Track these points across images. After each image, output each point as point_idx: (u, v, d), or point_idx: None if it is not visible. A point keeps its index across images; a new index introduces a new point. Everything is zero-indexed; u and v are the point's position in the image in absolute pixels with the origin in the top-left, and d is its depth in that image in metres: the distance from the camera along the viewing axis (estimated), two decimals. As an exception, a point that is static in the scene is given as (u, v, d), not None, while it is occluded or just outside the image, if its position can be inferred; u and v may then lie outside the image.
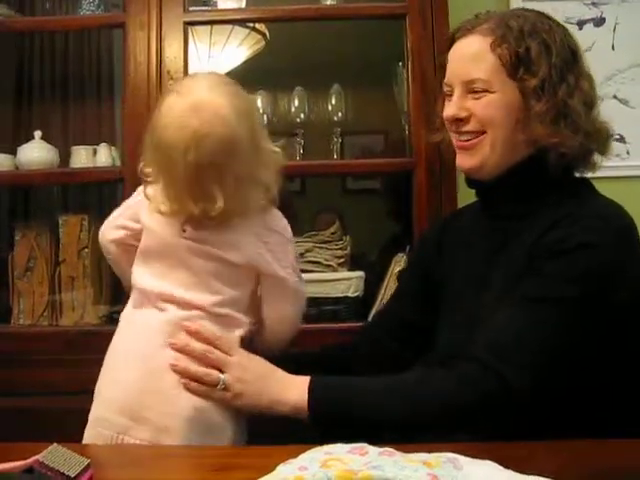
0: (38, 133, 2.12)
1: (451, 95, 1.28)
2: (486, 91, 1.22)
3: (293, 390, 1.16)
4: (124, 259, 1.36)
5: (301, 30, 2.38)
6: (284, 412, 1.16)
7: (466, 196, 1.79)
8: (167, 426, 1.17)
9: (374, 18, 2.08)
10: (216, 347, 1.20)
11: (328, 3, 2.10)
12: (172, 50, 1.94)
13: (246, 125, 1.20)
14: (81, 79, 2.67)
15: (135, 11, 1.95)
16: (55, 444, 0.87)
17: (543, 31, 1.21)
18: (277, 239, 1.29)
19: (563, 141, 1.19)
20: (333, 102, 2.17)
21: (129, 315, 1.30)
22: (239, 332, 1.27)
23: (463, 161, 1.28)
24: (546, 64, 1.19)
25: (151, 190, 1.27)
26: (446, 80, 1.30)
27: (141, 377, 1.20)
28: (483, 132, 1.24)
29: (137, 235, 1.32)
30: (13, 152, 2.13)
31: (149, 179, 1.27)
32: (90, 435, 1.22)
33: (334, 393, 1.17)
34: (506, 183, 1.26)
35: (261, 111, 2.20)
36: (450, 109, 1.27)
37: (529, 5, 2.10)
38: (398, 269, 1.93)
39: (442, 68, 1.34)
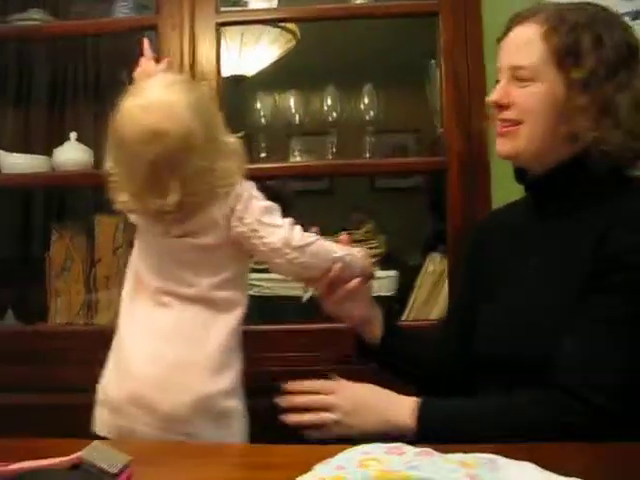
0: (74, 135, 2.15)
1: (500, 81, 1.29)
2: (531, 80, 1.22)
3: (400, 412, 1.19)
4: None
5: (332, 29, 2.38)
6: (391, 432, 1.18)
7: (500, 195, 1.79)
8: (176, 415, 1.23)
9: (406, 16, 2.08)
10: (318, 392, 1.25)
11: (359, 2, 2.10)
12: (205, 51, 1.95)
13: (200, 120, 1.23)
14: (113, 81, 2.69)
15: (168, 13, 1.97)
16: (96, 441, 0.88)
17: (599, 25, 1.20)
18: (242, 205, 1.30)
19: (604, 137, 1.18)
20: (365, 101, 2.16)
21: (131, 306, 1.35)
22: (240, 310, 1.33)
23: (500, 147, 1.29)
24: (595, 58, 1.18)
25: (115, 189, 1.30)
26: (498, 65, 1.30)
27: (151, 371, 1.25)
28: (520, 122, 1.24)
29: None
30: (48, 154, 2.16)
31: (113, 178, 1.30)
32: (101, 416, 1.30)
33: (440, 416, 1.18)
34: (553, 179, 1.25)
35: (293, 110, 2.21)
36: (494, 94, 1.28)
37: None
38: (432, 268, 1.93)
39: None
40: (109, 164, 1.31)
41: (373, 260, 1.48)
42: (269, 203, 1.33)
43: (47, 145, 2.35)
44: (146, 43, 1.48)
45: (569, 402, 1.08)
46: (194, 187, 1.24)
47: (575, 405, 1.08)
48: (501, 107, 1.27)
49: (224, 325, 1.31)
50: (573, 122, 1.19)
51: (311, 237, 1.32)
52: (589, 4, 1.27)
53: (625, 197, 1.20)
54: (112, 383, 1.31)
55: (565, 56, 1.19)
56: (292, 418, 1.22)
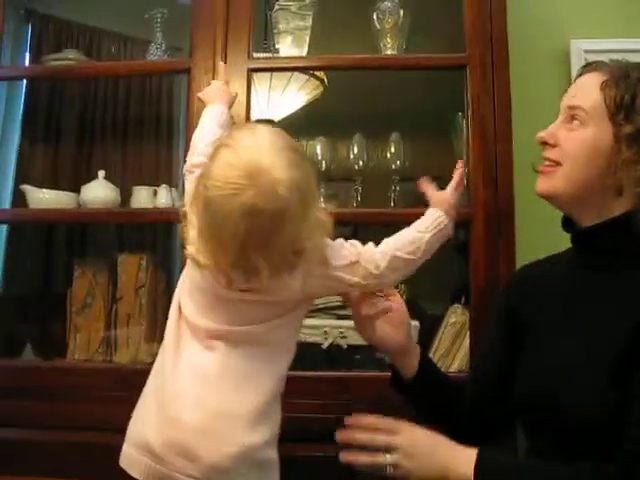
0: (102, 173, 2.17)
1: None
2: (582, 125, 1.25)
3: (460, 463, 1.18)
4: None
5: (360, 77, 2.40)
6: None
7: (524, 247, 1.78)
8: (218, 464, 1.18)
9: (435, 69, 2.09)
10: (380, 430, 1.24)
11: (389, 52, 2.12)
12: (235, 95, 1.97)
13: (300, 197, 1.14)
14: (141, 121, 2.74)
15: (201, 57, 2.00)
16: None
17: None
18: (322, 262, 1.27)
19: None
20: (392, 150, 2.17)
21: (174, 347, 1.29)
22: (290, 356, 1.30)
23: (539, 184, 1.33)
24: None
25: (191, 235, 1.22)
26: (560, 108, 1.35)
27: (197, 419, 1.21)
28: (560, 164, 1.28)
29: None
30: (76, 190, 2.18)
31: (190, 225, 1.22)
32: (134, 459, 1.23)
33: (500, 470, 1.17)
34: (600, 233, 1.27)
35: (320, 157, 2.22)
36: (543, 132, 1.32)
37: (590, 56, 2.10)
38: (454, 319, 1.91)
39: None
40: (189, 208, 1.23)
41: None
42: (337, 243, 1.29)
43: (75, 182, 2.38)
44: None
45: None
46: (276, 263, 1.17)
47: None
48: (546, 144, 1.31)
49: (275, 370, 1.27)
50: (619, 175, 1.22)
51: (385, 255, 1.31)
52: None
53: None
54: (152, 427, 1.24)
55: (618, 109, 1.22)
56: (348, 457, 1.21)
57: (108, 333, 2.09)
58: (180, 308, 1.32)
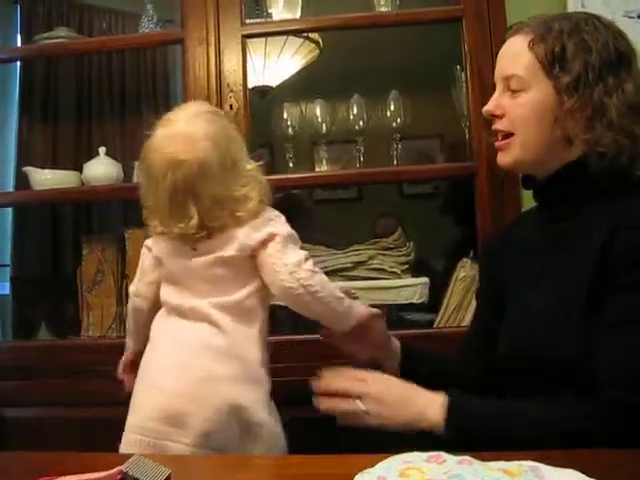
0: (102, 149, 2.17)
1: None
2: (522, 90, 1.25)
3: (431, 410, 1.18)
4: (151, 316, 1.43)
5: (355, 36, 2.38)
6: (420, 428, 1.18)
7: (530, 199, 1.77)
8: (207, 430, 1.23)
9: (430, 23, 2.07)
10: (354, 380, 1.25)
11: (383, 9, 2.10)
12: (231, 63, 1.96)
13: (218, 150, 1.30)
14: (138, 96, 2.73)
15: (193, 27, 1.98)
16: (137, 455, 0.89)
17: (585, 32, 1.23)
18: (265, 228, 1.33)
19: (597, 139, 1.20)
20: (392, 108, 2.16)
21: (160, 324, 1.38)
22: (261, 322, 1.35)
23: (499, 159, 1.33)
24: (582, 62, 1.21)
25: (147, 213, 1.39)
26: (494, 78, 1.34)
27: (180, 385, 1.26)
28: (511, 134, 1.28)
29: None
30: (78, 169, 2.18)
31: (145, 203, 1.38)
32: (129, 440, 1.27)
33: (472, 416, 1.17)
34: (556, 183, 1.28)
35: (319, 119, 2.21)
36: (488, 105, 1.32)
37: (586, 1, 2.08)
38: (463, 274, 1.92)
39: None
40: (140, 188, 1.39)
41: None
42: (293, 231, 1.37)
43: (76, 160, 2.38)
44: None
45: (619, 412, 1.06)
46: (213, 212, 1.31)
47: (626, 413, 1.06)
48: (495, 117, 1.31)
49: (250, 336, 1.33)
50: (566, 125, 1.22)
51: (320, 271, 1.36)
52: (577, 13, 1.33)
53: (629, 198, 1.20)
54: (140, 403, 1.31)
55: (552, 62, 1.22)
56: (325, 403, 1.23)
57: (120, 309, 2.10)
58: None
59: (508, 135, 1.29)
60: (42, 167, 2.21)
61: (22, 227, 2.55)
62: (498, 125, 1.30)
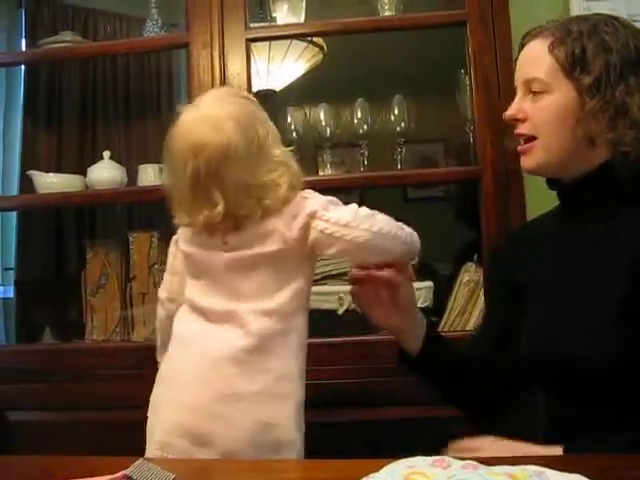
0: (107, 153, 2.17)
1: None
2: (544, 92, 1.25)
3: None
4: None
5: (359, 41, 2.38)
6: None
7: (535, 202, 1.77)
8: (233, 449, 1.19)
9: (434, 27, 2.07)
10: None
11: (387, 14, 2.10)
12: (235, 67, 1.96)
13: (244, 133, 1.24)
14: (142, 100, 2.73)
15: (198, 31, 1.98)
16: (141, 459, 0.89)
17: (604, 32, 1.23)
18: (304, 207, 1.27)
19: (620, 138, 1.20)
20: (396, 112, 2.16)
21: (186, 324, 1.32)
22: (297, 331, 1.28)
23: (523, 163, 1.32)
24: (602, 63, 1.21)
25: (172, 203, 1.33)
26: (514, 83, 1.34)
27: (201, 400, 1.21)
28: (534, 137, 1.28)
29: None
30: (82, 172, 2.18)
31: (169, 192, 1.32)
32: (154, 455, 1.23)
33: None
34: (584, 186, 1.27)
35: (324, 123, 2.21)
36: (510, 109, 1.32)
37: (591, 5, 2.08)
38: (467, 278, 1.91)
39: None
40: (164, 179, 1.36)
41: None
42: (330, 197, 1.30)
43: (80, 164, 2.38)
44: None
45: None
46: (239, 199, 1.24)
47: None
48: (517, 121, 1.30)
49: (287, 345, 1.27)
50: (588, 126, 1.22)
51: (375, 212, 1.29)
52: (595, 14, 1.31)
53: None
54: (165, 415, 1.26)
55: (572, 64, 1.22)
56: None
57: (124, 312, 2.11)
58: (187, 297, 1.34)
59: (530, 139, 1.28)
60: (46, 171, 2.22)
61: (26, 231, 2.55)
62: (520, 129, 1.30)
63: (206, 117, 1.25)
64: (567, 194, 1.32)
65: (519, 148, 1.32)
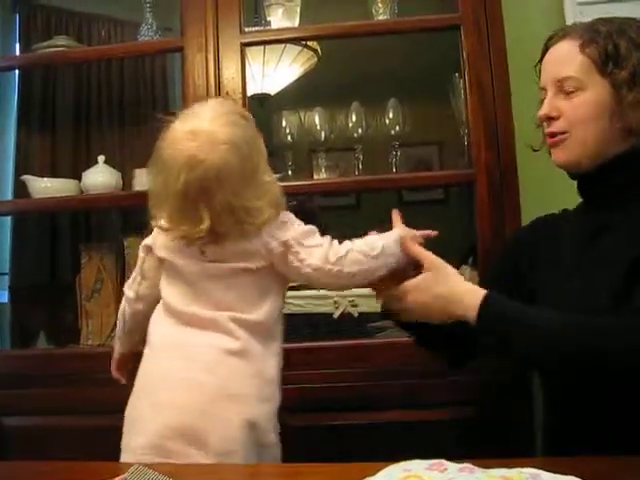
0: (101, 158, 2.16)
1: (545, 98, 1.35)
2: (578, 90, 1.29)
3: (469, 296, 1.23)
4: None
5: (353, 45, 2.39)
6: (456, 315, 1.25)
7: (530, 205, 1.78)
8: (229, 450, 1.19)
9: (428, 31, 2.07)
10: None
11: (381, 18, 2.10)
12: (230, 71, 1.96)
13: (240, 157, 1.25)
14: (137, 104, 2.73)
15: (193, 35, 1.98)
16: (138, 464, 0.88)
17: (631, 31, 1.28)
18: (282, 232, 1.32)
19: None
20: (390, 116, 2.17)
21: (162, 329, 1.33)
22: (276, 341, 1.33)
23: (556, 156, 1.34)
24: (636, 57, 1.25)
25: (153, 207, 1.32)
26: (541, 84, 1.37)
27: (193, 401, 1.21)
28: (568, 131, 1.30)
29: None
30: (77, 177, 2.18)
31: (152, 196, 1.31)
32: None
33: (504, 316, 1.20)
34: (606, 173, 1.29)
35: (318, 127, 2.22)
36: (544, 109, 1.34)
37: (584, 9, 2.09)
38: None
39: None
40: (149, 181, 1.33)
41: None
42: (308, 227, 1.35)
43: (75, 169, 2.38)
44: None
45: None
46: (222, 218, 1.25)
47: None
48: (551, 119, 1.32)
49: (268, 352, 1.31)
50: (628, 118, 1.25)
51: (346, 247, 1.33)
52: (617, 18, 1.33)
53: None
54: (149, 417, 1.24)
55: (605, 61, 1.26)
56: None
57: (120, 317, 2.09)
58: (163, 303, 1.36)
59: (564, 133, 1.31)
60: (41, 175, 2.21)
61: (21, 236, 2.54)
62: (553, 128, 1.32)
63: (205, 132, 1.24)
64: (587, 179, 1.34)
65: (549, 140, 1.34)
